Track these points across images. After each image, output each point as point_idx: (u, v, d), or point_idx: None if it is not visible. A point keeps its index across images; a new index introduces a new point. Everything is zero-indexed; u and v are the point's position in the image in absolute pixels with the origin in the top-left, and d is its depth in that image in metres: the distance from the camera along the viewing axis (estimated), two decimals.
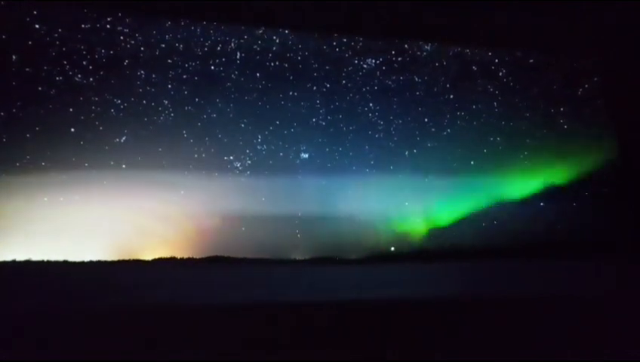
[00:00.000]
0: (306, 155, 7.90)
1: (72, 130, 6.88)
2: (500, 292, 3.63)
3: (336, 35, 7.40)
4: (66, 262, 6.40)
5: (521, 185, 7.84)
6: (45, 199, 6.74)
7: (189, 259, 7.01)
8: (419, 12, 2.41)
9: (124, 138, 7.10)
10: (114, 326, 2.34)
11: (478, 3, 2.34)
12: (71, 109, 6.86)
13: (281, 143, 7.78)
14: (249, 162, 7.69)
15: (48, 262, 6.31)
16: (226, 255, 7.12)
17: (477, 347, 2.10)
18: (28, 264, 6.24)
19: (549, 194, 7.78)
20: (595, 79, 7.43)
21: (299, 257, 7.43)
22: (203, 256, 7.08)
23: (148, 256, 6.93)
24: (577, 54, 7.07)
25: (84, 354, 1.99)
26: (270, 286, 4.31)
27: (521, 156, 7.88)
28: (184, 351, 2.03)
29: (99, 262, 6.58)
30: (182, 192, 7.40)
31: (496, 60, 7.72)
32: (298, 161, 7.85)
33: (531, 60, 7.64)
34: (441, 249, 7.52)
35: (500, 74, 7.78)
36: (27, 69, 6.63)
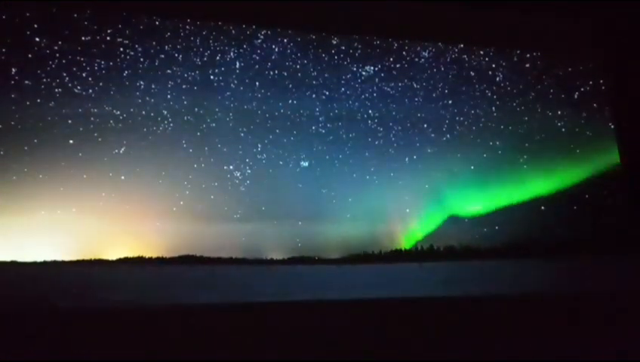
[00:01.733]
0: (306, 163, 7.90)
1: (71, 141, 6.86)
2: (487, 292, 3.64)
3: (337, 36, 7.45)
4: (14, 263, 6.23)
5: (521, 188, 7.85)
6: (42, 213, 6.66)
7: (158, 259, 6.82)
8: (418, 12, 2.44)
9: (122, 149, 7.08)
10: (70, 327, 2.28)
11: (478, 3, 2.37)
12: (70, 121, 6.85)
13: (281, 152, 7.79)
14: (249, 171, 7.69)
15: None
16: (198, 254, 6.96)
17: (461, 345, 2.08)
18: None
19: (549, 197, 7.78)
20: (591, 82, 7.53)
21: (276, 257, 7.31)
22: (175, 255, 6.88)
23: (112, 256, 6.74)
24: (577, 55, 7.14)
25: (40, 355, 1.93)
26: (243, 286, 4.26)
27: (521, 160, 7.90)
28: (149, 354, 1.98)
29: (54, 262, 6.40)
30: (181, 203, 7.36)
31: (493, 65, 7.83)
32: (298, 170, 7.86)
33: (527, 65, 7.76)
34: (438, 250, 7.52)
35: (498, 79, 7.88)
36: (26, 82, 6.63)
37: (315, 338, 2.23)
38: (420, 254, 7.54)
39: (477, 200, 7.83)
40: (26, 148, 6.68)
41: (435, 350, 2.07)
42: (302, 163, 7.89)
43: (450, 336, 2.23)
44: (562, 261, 6.70)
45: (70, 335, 2.21)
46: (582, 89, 7.64)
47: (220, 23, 7.05)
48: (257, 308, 2.79)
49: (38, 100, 6.70)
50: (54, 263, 6.44)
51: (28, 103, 6.67)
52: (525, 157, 7.88)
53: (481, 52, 7.69)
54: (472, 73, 7.84)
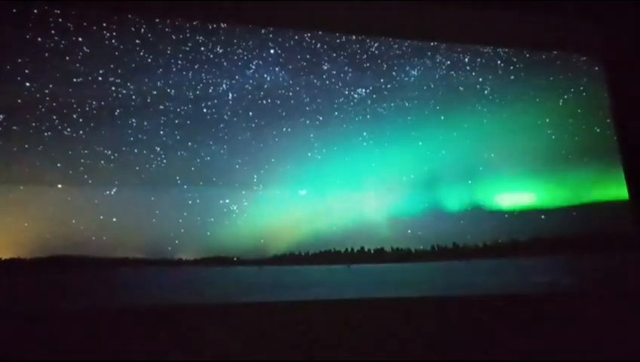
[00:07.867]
0: (304, 192, 7.77)
1: (59, 186, 6.63)
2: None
3: (338, 34, 7.62)
4: None
5: (519, 197, 7.84)
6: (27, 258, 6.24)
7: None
8: (418, 12, 2.49)
9: (114, 190, 6.87)
10: None
11: (476, 3, 2.43)
12: (59, 165, 6.65)
13: (277, 182, 7.67)
14: (245, 204, 7.50)
15: None
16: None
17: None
18: None
19: (547, 205, 7.77)
20: (572, 89, 7.84)
21: (186, 257, 6.74)
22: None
23: None
24: (576, 54, 7.44)
25: None
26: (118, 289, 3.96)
27: (516, 170, 7.97)
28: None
29: None
30: (176, 241, 7.05)
31: (481, 80, 8.13)
32: (297, 198, 7.72)
33: (512, 77, 8.07)
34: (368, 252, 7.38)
35: (486, 92, 8.14)
36: (14, 128, 6.49)
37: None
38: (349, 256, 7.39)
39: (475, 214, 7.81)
40: (11, 195, 6.40)
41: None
42: (300, 191, 7.77)
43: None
44: (559, 261, 6.64)
45: None
46: (565, 96, 7.93)
47: (213, 27, 7.19)
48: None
49: (26, 146, 6.54)
50: None
51: (15, 149, 6.50)
52: (520, 167, 7.96)
53: (468, 67, 8.03)
54: (461, 88, 8.10)
